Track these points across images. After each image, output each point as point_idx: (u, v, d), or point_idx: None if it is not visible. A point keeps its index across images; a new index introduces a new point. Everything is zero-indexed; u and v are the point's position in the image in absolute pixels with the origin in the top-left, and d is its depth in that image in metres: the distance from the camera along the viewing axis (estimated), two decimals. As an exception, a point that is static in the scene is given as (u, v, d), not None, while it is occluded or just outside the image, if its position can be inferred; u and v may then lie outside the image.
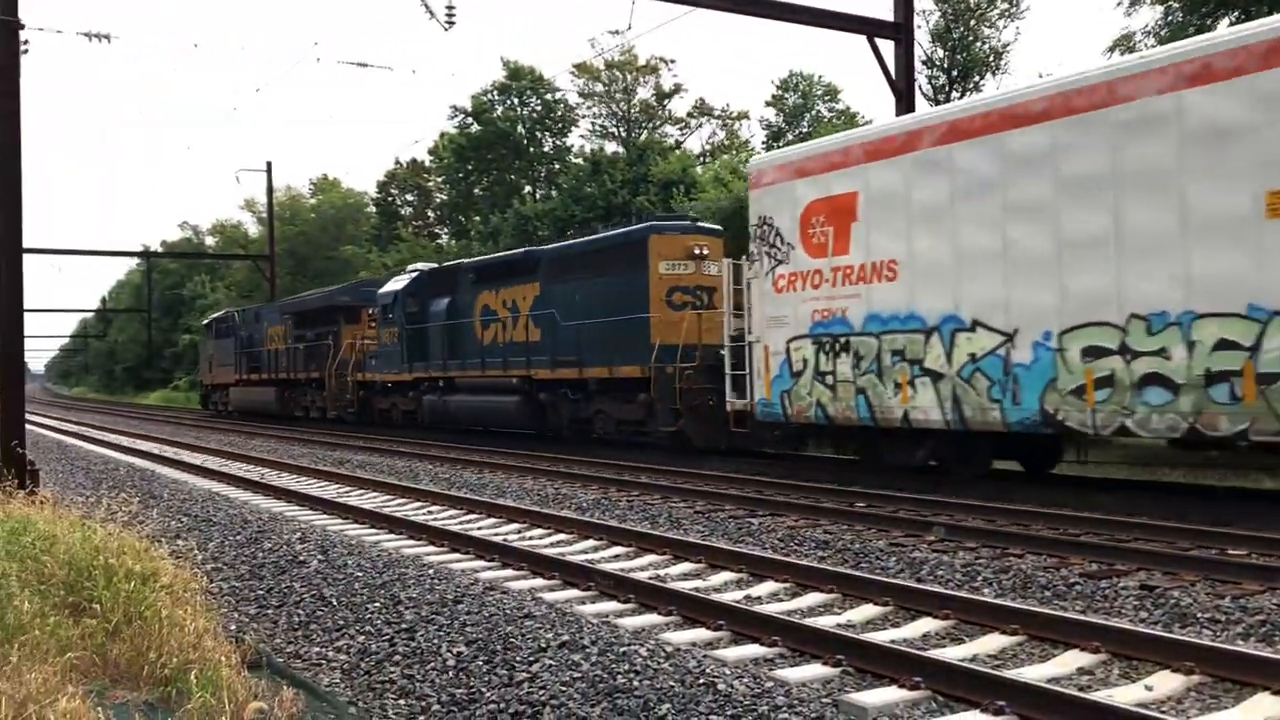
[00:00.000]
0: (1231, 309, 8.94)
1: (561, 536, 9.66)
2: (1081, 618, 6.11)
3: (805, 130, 38.66)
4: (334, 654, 6.09)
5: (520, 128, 44.88)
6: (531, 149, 45.38)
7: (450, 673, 5.49)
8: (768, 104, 41.61)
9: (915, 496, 10.81)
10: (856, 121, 36.63)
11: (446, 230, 51.43)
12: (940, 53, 29.84)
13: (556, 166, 44.62)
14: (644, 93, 43.99)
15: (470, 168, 46.46)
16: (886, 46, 17.74)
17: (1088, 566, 7.63)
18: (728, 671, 5.13)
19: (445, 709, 5.06)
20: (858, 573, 7.53)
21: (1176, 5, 20.59)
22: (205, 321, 45.23)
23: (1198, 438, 9.37)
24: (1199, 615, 6.31)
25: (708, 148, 44.08)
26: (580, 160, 41.66)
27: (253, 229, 69.50)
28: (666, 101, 44.27)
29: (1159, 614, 6.42)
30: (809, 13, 17.47)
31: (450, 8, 15.83)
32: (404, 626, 6.33)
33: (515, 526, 10.28)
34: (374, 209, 56.47)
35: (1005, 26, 29.93)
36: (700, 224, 18.41)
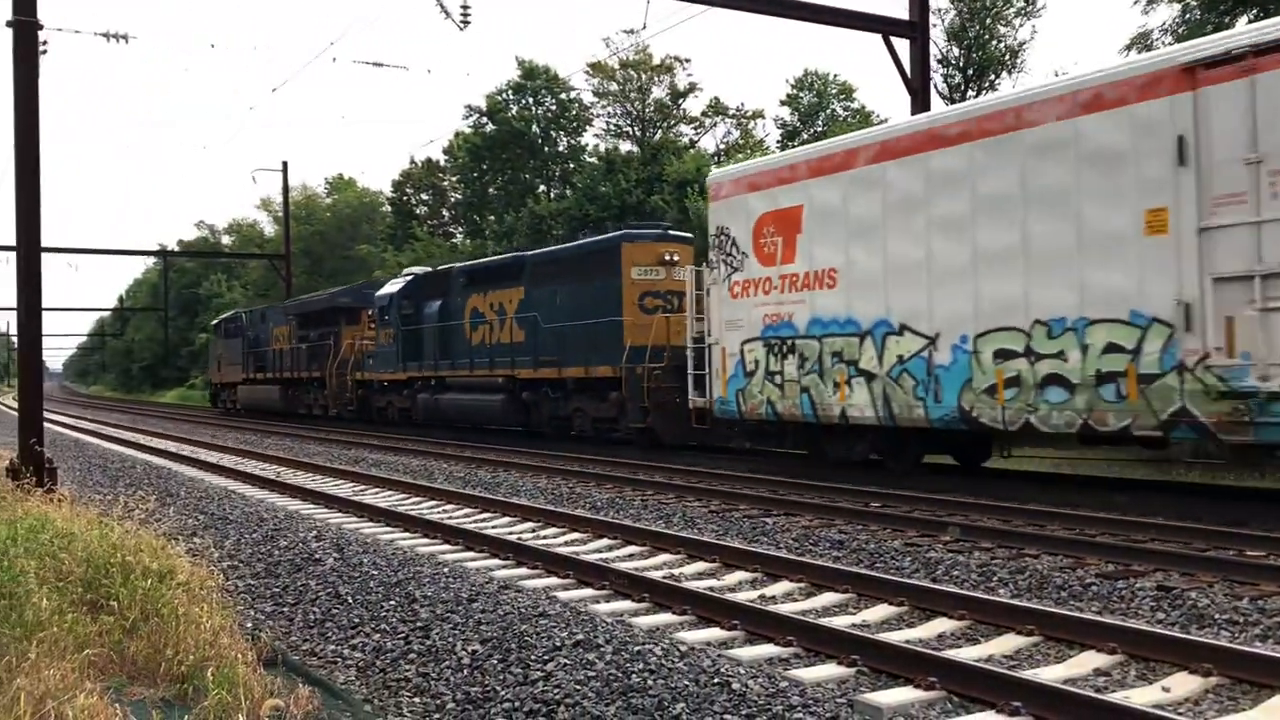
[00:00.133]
0: (1117, 315, 9.74)
1: (576, 535, 9.67)
2: (1098, 618, 6.07)
3: (820, 130, 38.52)
4: (349, 652, 6.10)
5: (535, 127, 44.91)
6: (546, 148, 45.40)
7: (465, 671, 5.49)
8: (783, 103, 41.50)
9: (930, 496, 10.80)
10: (871, 120, 36.50)
11: (461, 229, 51.49)
12: (956, 51, 29.65)
13: (571, 166, 44.59)
14: (659, 92, 43.90)
15: (485, 167, 46.55)
16: (902, 45, 17.71)
17: (1104, 567, 7.60)
18: (742, 671, 5.12)
19: (460, 707, 5.07)
20: (873, 573, 7.51)
21: (1194, 3, 20.43)
22: (214, 322, 45.74)
23: (1090, 433, 10.07)
24: (1217, 616, 6.27)
25: (722, 147, 43.92)
26: (595, 160, 41.63)
27: (269, 228, 69.98)
28: (681, 101, 44.14)
29: (1176, 615, 6.38)
30: (824, 11, 17.46)
31: (465, 7, 15.89)
32: (419, 624, 6.34)
33: (530, 525, 10.30)
34: (389, 208, 56.61)
35: (1021, 25, 29.75)
36: (671, 232, 19.60)
